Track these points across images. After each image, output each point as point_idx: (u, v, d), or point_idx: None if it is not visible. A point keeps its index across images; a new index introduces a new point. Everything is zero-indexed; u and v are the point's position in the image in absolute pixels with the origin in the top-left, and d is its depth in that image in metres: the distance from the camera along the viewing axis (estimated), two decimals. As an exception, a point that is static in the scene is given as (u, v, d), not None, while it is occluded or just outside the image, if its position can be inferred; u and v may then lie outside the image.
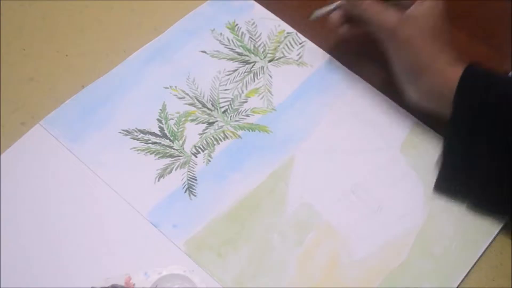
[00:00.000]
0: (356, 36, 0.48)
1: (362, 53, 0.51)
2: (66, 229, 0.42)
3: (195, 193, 0.45)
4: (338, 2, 0.46)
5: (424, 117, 0.49)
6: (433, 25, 0.43)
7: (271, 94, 0.50)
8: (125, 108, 0.48)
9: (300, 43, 0.53)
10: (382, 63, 0.47)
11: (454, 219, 0.44)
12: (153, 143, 0.47)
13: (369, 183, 0.46)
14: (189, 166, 0.46)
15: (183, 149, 0.47)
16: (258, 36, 0.53)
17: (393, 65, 0.45)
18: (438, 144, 0.47)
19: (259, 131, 0.48)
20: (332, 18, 0.47)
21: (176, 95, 0.50)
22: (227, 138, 0.48)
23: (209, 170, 0.46)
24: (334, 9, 0.47)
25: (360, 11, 0.45)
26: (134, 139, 0.47)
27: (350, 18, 0.47)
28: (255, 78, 0.51)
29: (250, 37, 0.53)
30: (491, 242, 0.44)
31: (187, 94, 0.50)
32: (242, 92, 0.50)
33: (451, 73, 0.42)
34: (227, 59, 0.52)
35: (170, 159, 0.46)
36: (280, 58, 0.52)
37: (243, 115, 0.49)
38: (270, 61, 0.52)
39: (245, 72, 0.51)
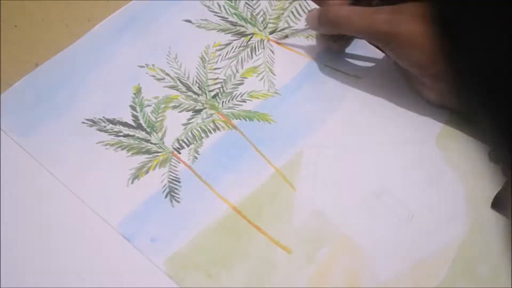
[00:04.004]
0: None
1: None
2: (16, 241, 0.40)
3: (178, 198, 0.42)
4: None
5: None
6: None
7: (273, 74, 0.49)
8: (90, 92, 0.46)
9: (309, 10, 0.51)
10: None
11: (504, 230, 0.41)
12: (125, 135, 0.45)
13: (397, 185, 0.44)
14: (170, 164, 0.44)
15: (163, 143, 0.45)
16: (257, 1, 0.52)
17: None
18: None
19: (259, 121, 0.46)
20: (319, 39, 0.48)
21: (153, 76, 0.48)
22: (218, 129, 0.46)
23: (195, 169, 0.44)
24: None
25: (334, 23, 0.45)
26: (101, 130, 0.45)
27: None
28: (253, 54, 0.50)
29: (246, 2, 0.52)
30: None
31: (168, 75, 0.48)
32: (237, 71, 0.49)
33: None
34: (218, 30, 0.50)
35: (146, 155, 0.44)
36: (284, 29, 0.51)
37: (238, 101, 0.47)
38: (271, 32, 0.51)
39: (240, 46, 0.50)
